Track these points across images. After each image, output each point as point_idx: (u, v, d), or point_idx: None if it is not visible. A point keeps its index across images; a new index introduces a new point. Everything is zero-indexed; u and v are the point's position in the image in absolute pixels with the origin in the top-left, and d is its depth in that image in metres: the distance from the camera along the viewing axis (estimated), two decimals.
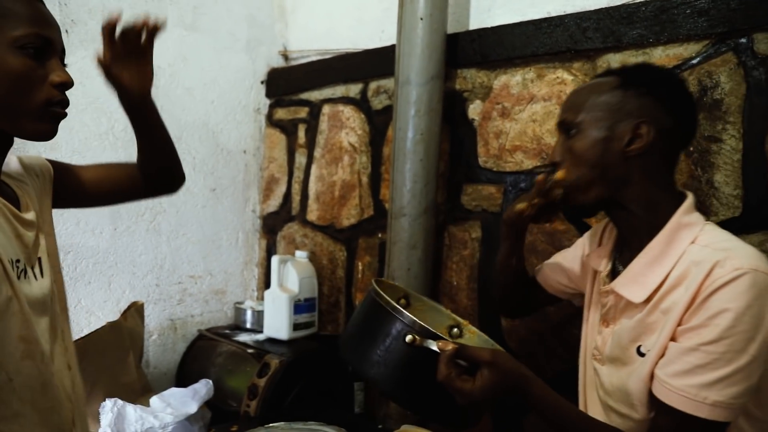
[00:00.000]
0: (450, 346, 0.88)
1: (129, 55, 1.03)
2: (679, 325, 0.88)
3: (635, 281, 0.97)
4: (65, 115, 0.92)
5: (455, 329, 1.21)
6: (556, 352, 1.51)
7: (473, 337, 1.19)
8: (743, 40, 1.22)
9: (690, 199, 0.98)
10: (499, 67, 1.63)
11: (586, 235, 1.24)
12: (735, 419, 0.84)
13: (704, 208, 1.27)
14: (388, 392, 0.98)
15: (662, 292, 0.92)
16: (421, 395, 0.95)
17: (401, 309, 0.95)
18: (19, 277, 0.88)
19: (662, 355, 0.89)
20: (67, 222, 1.79)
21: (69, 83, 0.90)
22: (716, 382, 0.82)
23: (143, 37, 1.03)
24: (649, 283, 0.94)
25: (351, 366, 1.02)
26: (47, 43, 0.88)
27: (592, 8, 1.44)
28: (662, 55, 1.34)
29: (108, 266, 1.90)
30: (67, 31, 1.74)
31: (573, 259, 1.26)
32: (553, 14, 1.52)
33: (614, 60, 1.41)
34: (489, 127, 1.65)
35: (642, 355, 0.94)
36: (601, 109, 0.98)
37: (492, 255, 1.64)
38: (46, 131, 0.90)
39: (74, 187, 1.15)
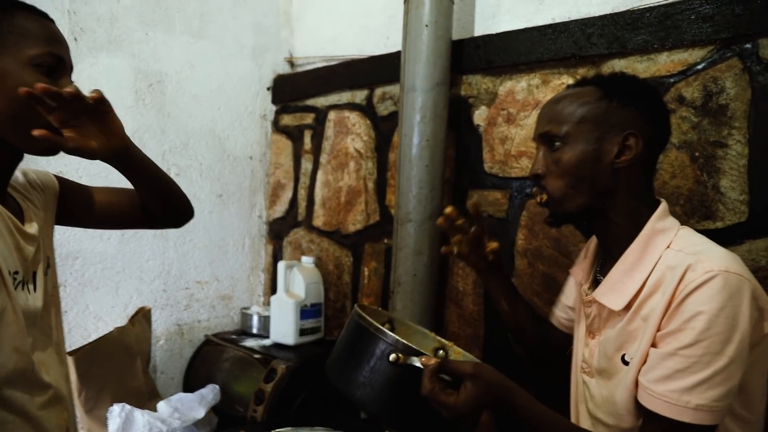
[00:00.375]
0: (433, 361, 0.89)
1: (79, 118, 0.90)
2: (658, 330, 0.88)
3: (614, 289, 0.98)
4: None
5: (441, 351, 1.23)
6: (567, 360, 1.50)
7: (459, 358, 1.20)
8: (748, 46, 1.23)
9: (663, 205, 0.99)
10: (504, 73, 1.64)
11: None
12: (720, 422, 0.84)
13: (710, 214, 1.27)
14: (375, 413, 0.98)
15: (641, 298, 0.93)
16: (408, 414, 0.96)
17: (384, 329, 0.97)
18: (16, 288, 0.89)
19: (644, 362, 0.90)
20: (75, 228, 1.80)
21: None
22: (697, 386, 0.82)
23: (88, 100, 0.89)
24: (627, 290, 0.95)
25: (337, 389, 1.02)
26: (60, 61, 0.91)
27: (597, 14, 1.44)
28: (667, 61, 1.34)
29: (116, 272, 1.91)
30: (76, 39, 1.76)
31: (569, 287, 1.26)
32: (558, 20, 1.52)
33: (619, 66, 1.41)
34: (494, 133, 1.66)
35: (626, 363, 0.94)
36: (587, 120, 0.98)
37: None
38: (53, 147, 0.92)
39: (80, 208, 1.16)
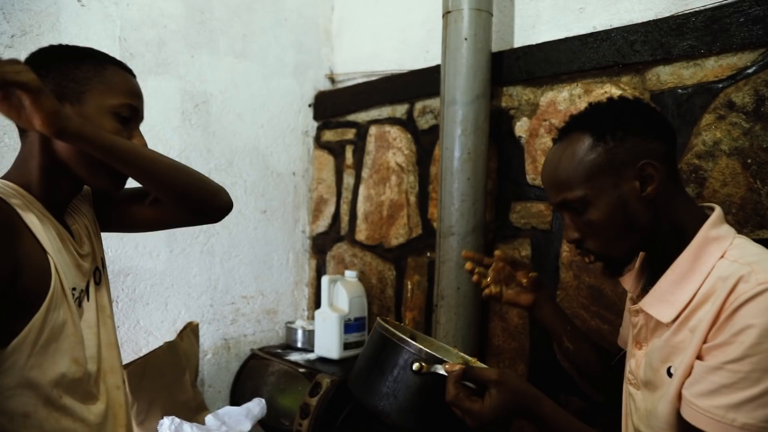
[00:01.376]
0: (457, 367, 0.88)
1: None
2: (704, 342, 0.84)
3: (663, 299, 0.93)
4: None
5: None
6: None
7: None
8: None
9: (717, 212, 0.94)
10: (545, 83, 1.62)
11: None
12: None
13: (765, 222, 1.22)
14: (399, 423, 0.97)
15: (690, 309, 0.89)
16: (433, 423, 0.95)
17: (407, 339, 0.97)
18: (76, 302, 0.96)
19: (688, 375, 0.85)
20: (126, 246, 1.86)
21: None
22: (744, 403, 0.77)
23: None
24: (678, 302, 0.91)
25: (361, 401, 1.01)
26: (135, 113, 1.01)
27: (640, 21, 1.42)
28: (715, 66, 1.30)
29: (165, 288, 1.97)
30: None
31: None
32: (599, 29, 1.50)
33: (664, 72, 1.38)
34: (536, 144, 1.64)
35: (671, 376, 0.90)
36: (595, 174, 0.94)
37: (542, 272, 1.61)
38: (116, 186, 1.02)
39: (112, 213, 1.18)
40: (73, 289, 0.95)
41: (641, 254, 1.10)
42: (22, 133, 0.96)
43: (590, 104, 1.02)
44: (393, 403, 0.95)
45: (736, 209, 1.26)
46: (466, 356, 1.21)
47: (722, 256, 0.88)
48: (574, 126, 0.99)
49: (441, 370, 0.91)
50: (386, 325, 1.03)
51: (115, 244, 1.83)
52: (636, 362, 1.01)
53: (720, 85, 1.30)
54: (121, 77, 0.99)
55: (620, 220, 0.94)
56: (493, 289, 1.25)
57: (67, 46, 0.99)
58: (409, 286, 2.02)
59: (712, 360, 0.82)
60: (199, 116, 2.03)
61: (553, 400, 1.44)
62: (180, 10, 1.96)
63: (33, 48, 0.98)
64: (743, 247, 0.89)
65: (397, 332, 0.99)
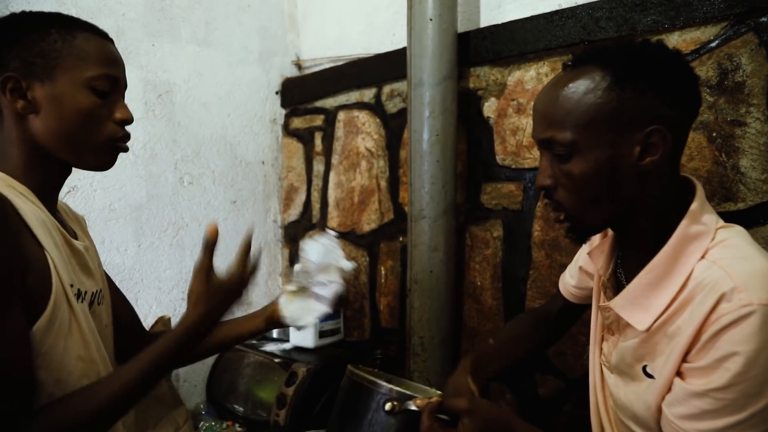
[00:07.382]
0: (434, 399, 0.90)
1: None
2: (685, 354, 0.78)
3: (637, 304, 0.85)
4: (127, 149, 0.97)
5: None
6: (587, 350, 1.47)
7: None
8: (764, 19, 1.19)
9: (697, 202, 0.83)
10: (512, 63, 1.61)
11: None
12: None
13: (731, 195, 1.23)
14: None
15: (667, 315, 0.82)
16: None
17: (376, 380, 0.98)
18: (85, 303, 0.92)
19: (669, 388, 0.81)
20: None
21: (130, 120, 0.95)
22: (728, 428, 0.73)
23: None
24: (654, 308, 0.83)
25: None
26: (114, 83, 0.92)
27: None
28: (679, 40, 1.31)
29: (134, 283, 1.92)
30: None
31: (576, 261, 1.20)
32: (565, 6, 1.50)
33: None
34: (505, 124, 1.63)
35: (648, 375, 0.86)
36: (597, 122, 0.80)
37: (514, 253, 1.62)
38: (106, 163, 0.95)
39: None
40: (72, 285, 0.89)
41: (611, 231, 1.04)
42: None
43: (621, 39, 0.89)
44: None
45: (703, 183, 1.25)
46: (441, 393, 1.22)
47: (703, 256, 0.80)
48: (594, 58, 0.83)
49: (413, 405, 0.93)
50: (354, 370, 1.04)
51: None
52: (608, 348, 0.98)
53: None
54: (94, 44, 0.89)
55: (603, 184, 0.82)
56: None
57: (29, 13, 0.89)
58: (383, 272, 2.01)
59: (695, 384, 0.77)
60: (163, 106, 1.98)
61: (529, 378, 1.46)
62: None
63: None
64: (725, 244, 0.81)
65: (366, 375, 1.01)
